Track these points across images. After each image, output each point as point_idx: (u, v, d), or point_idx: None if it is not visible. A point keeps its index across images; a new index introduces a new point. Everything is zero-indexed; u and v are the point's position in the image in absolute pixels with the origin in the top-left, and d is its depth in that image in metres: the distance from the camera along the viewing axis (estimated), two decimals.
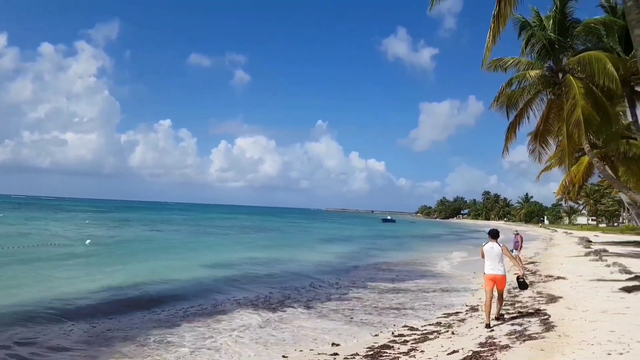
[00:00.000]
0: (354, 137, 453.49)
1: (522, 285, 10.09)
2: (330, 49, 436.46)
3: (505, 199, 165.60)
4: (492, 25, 12.90)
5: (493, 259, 9.39)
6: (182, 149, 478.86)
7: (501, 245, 9.55)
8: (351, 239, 50.72)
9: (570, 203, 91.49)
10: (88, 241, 31.08)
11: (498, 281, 9.42)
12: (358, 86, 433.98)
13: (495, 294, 9.59)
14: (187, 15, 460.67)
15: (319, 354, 8.70)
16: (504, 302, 10.33)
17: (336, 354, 8.57)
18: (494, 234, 9.72)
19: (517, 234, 21.57)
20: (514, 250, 19.62)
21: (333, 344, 9.37)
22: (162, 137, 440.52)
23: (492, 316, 9.56)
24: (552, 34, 17.49)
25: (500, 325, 9.20)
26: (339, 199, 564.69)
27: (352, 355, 8.38)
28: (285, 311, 12.85)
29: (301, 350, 9.07)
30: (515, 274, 10.69)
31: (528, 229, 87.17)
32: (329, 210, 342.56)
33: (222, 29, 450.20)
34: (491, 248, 9.48)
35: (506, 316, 9.93)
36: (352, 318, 12.11)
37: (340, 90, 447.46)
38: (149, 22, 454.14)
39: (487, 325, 9.22)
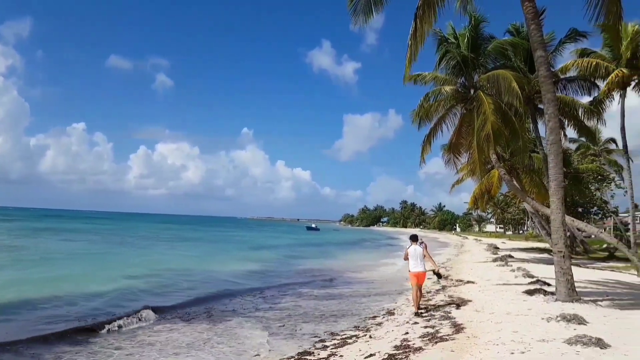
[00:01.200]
0: (280, 145, 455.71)
1: (439, 275, 13.76)
2: (256, 57, 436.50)
3: (420, 208, 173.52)
4: (410, 43, 13.33)
5: (416, 259, 11.34)
6: (97, 154, 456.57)
7: (421, 247, 11.40)
8: (277, 247, 50.16)
9: (480, 212, 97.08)
10: None
11: (420, 277, 11.32)
12: (284, 95, 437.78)
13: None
14: (107, 16, 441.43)
15: None
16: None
17: None
18: (414, 238, 11.77)
19: (422, 242, 23.03)
20: None
21: (255, 355, 9.28)
22: (76, 141, 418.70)
23: (415, 308, 11.48)
24: (465, 52, 18.39)
25: (414, 327, 9.62)
26: (265, 208, 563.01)
27: None
28: (209, 323, 12.30)
29: None
30: (432, 270, 12.52)
31: (441, 236, 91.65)
32: (255, 219, 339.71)
33: (144, 31, 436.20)
34: (414, 250, 11.41)
35: (419, 320, 10.46)
36: (279, 327, 11.89)
37: (266, 99, 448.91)
38: (65, 21, 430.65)
39: (416, 313, 11.20)
